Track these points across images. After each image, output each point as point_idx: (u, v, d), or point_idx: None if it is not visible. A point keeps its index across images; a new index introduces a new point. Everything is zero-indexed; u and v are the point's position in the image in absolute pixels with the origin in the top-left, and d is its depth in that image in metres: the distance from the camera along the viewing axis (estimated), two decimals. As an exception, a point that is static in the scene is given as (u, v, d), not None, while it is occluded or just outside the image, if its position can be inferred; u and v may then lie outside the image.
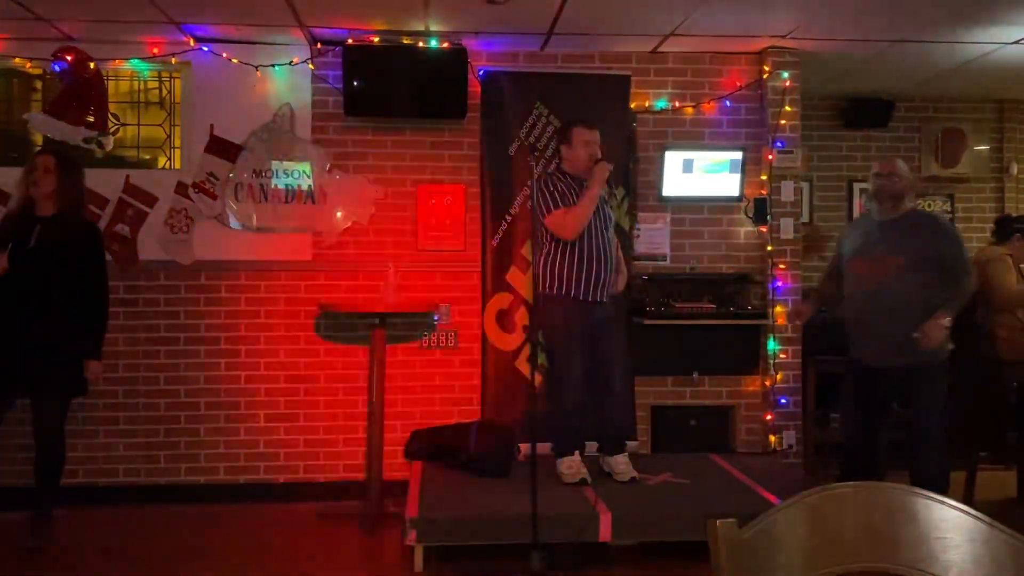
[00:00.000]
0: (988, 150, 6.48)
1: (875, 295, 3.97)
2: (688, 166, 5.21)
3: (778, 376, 5.18)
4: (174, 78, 5.20)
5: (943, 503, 1.23)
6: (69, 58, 4.81)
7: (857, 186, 6.35)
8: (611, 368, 4.39)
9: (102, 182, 4.92)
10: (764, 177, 5.27)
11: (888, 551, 1.23)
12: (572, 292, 4.27)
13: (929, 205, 6.35)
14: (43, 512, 4.16)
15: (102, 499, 4.88)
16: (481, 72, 5.10)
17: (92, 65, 4.87)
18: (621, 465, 4.40)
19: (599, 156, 4.31)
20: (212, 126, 5.00)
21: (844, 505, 1.26)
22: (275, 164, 5.03)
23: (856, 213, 6.35)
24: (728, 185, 5.23)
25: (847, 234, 4.36)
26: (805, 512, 1.24)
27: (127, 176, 5.00)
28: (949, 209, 6.44)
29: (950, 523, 1.23)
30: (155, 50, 4.98)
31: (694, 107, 5.28)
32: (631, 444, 4.70)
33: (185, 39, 4.95)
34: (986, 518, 1.21)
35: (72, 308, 4.09)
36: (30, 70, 5.12)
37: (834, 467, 5.41)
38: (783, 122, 5.22)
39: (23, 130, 5.09)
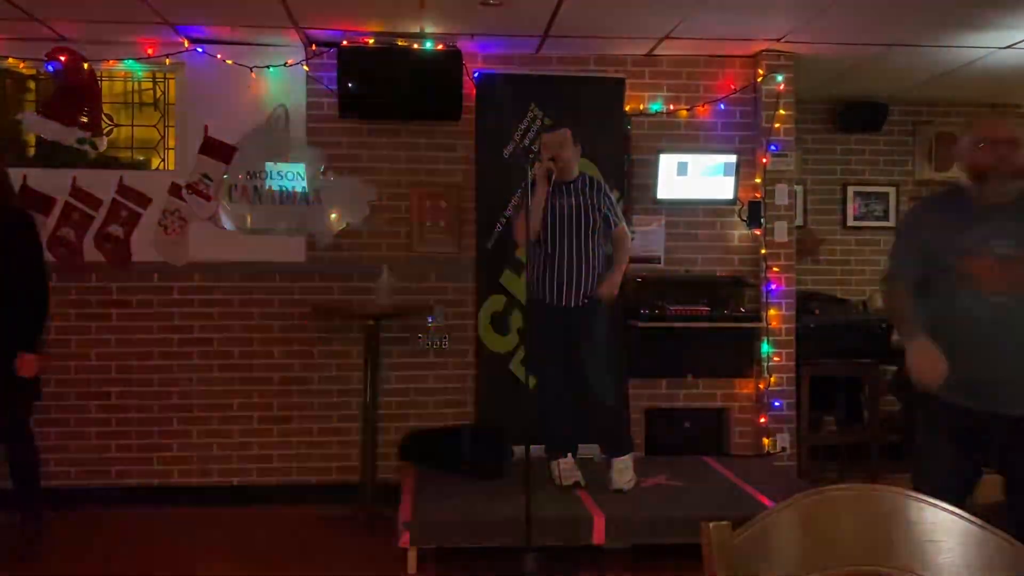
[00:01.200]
0: (981, 154, 6.49)
1: (1009, 311, 2.75)
2: (683, 169, 5.21)
3: (772, 379, 5.18)
4: (168, 79, 5.19)
5: (936, 506, 1.23)
6: (63, 58, 4.80)
7: (851, 189, 6.36)
8: (587, 373, 4.26)
9: (96, 183, 4.93)
10: (758, 180, 5.27)
11: (881, 554, 1.23)
12: (540, 296, 4.26)
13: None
14: (30, 514, 4.12)
15: (94, 501, 4.85)
16: (476, 74, 5.10)
17: (86, 66, 4.87)
18: (612, 472, 4.32)
19: (557, 157, 4.17)
20: (206, 127, 4.99)
21: (837, 508, 1.26)
22: (269, 165, 5.02)
23: (851, 216, 6.35)
24: (722, 188, 5.24)
25: (926, 220, 3.01)
26: (798, 515, 1.24)
27: (121, 177, 4.98)
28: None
29: (943, 526, 1.23)
30: (149, 51, 4.97)
31: (689, 110, 5.28)
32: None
33: (179, 40, 4.94)
34: (979, 521, 1.22)
35: (12, 305, 3.88)
36: (24, 70, 5.11)
37: (827, 470, 5.43)
38: (777, 125, 5.22)
39: (16, 131, 5.07)
